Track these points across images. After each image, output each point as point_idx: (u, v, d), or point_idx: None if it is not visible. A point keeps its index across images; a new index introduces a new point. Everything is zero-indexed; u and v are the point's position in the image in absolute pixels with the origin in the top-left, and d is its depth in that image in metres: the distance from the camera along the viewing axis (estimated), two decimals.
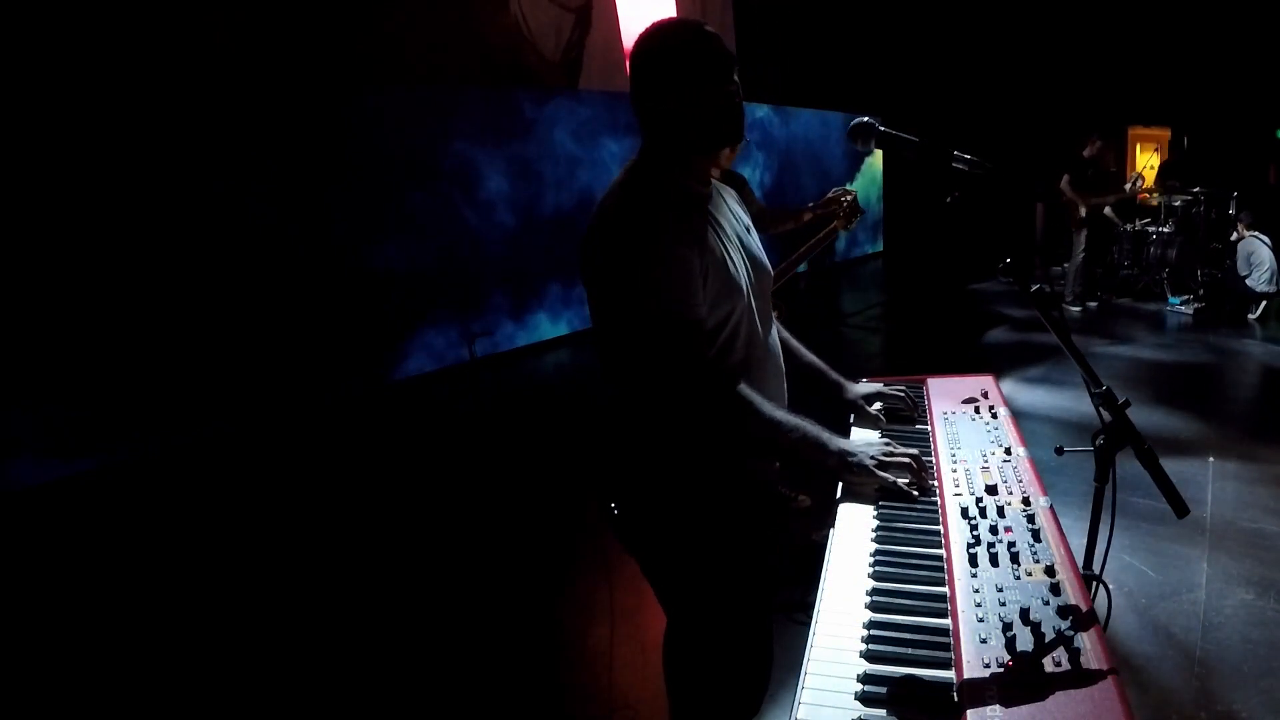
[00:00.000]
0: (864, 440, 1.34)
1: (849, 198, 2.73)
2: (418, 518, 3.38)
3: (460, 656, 2.40)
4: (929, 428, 1.52)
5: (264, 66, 4.46)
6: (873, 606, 1.02)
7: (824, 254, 2.74)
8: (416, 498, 3.58)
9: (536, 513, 3.37)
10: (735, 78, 1.27)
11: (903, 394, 1.64)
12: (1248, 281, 6.39)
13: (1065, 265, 7.31)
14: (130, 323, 3.95)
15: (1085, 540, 1.33)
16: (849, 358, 5.93)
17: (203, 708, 2.21)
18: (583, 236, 1.28)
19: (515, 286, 6.05)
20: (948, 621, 0.96)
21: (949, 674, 0.88)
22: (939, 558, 1.09)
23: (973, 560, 1.05)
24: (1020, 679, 0.83)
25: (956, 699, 0.83)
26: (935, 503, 1.24)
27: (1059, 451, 1.41)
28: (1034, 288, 1.21)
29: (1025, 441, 1.41)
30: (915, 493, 1.26)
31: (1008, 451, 1.37)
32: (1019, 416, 1.57)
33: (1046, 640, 0.88)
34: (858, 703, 0.86)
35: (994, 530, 1.12)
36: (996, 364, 5.20)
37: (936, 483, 1.29)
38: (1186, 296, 6.96)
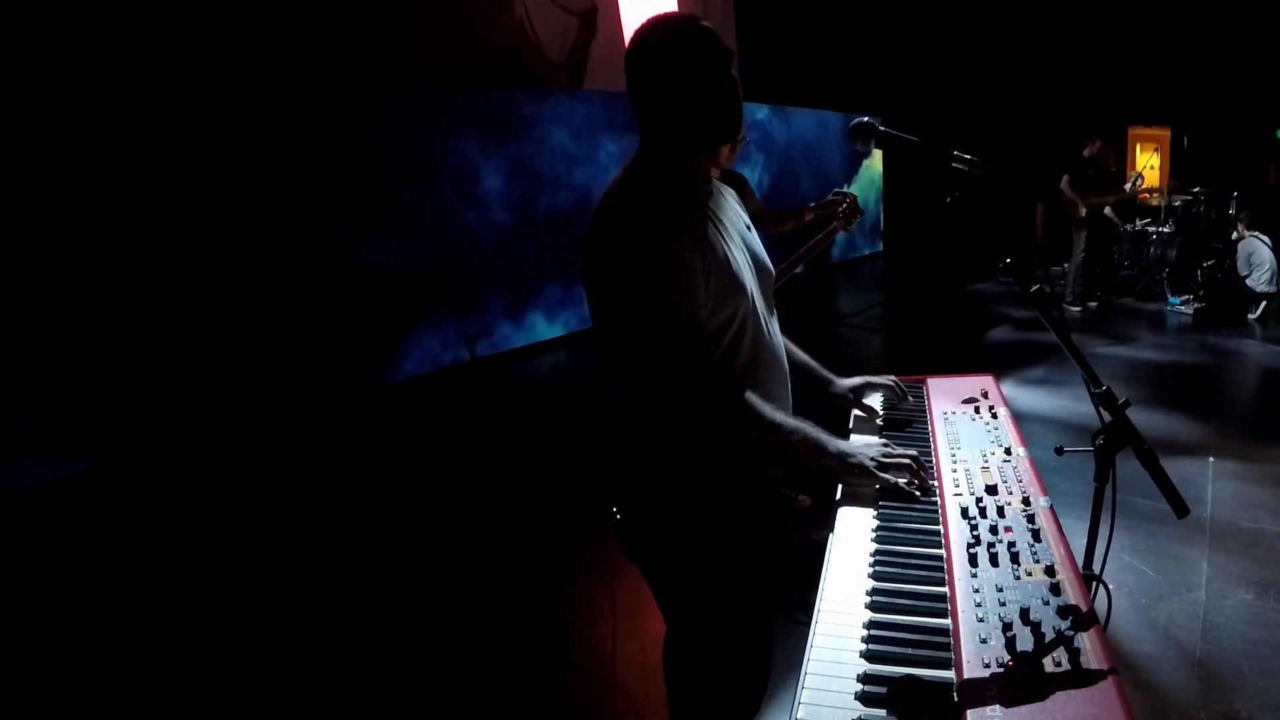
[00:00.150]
0: (863, 441, 1.34)
1: (849, 199, 2.74)
2: (418, 518, 3.38)
3: (461, 657, 2.40)
4: (929, 428, 1.52)
5: (264, 66, 4.46)
6: (873, 606, 1.02)
7: (821, 255, 2.74)
8: (417, 498, 3.58)
9: (537, 513, 3.37)
10: (733, 73, 1.26)
11: (891, 382, 1.64)
12: (1248, 281, 6.39)
13: (1065, 265, 7.31)
14: (130, 322, 3.95)
15: (1085, 540, 1.33)
16: (849, 358, 5.93)
17: (203, 708, 2.21)
18: (582, 237, 1.27)
19: (516, 287, 6.05)
20: (948, 621, 0.96)
21: (949, 674, 0.88)
22: (939, 558, 1.09)
23: (973, 560, 1.05)
24: (1020, 679, 0.83)
25: (956, 699, 0.83)
26: (935, 503, 1.24)
27: (1059, 451, 1.41)
28: (1034, 288, 1.21)
29: (1025, 441, 1.41)
30: (917, 493, 1.26)
31: (1008, 451, 1.37)
32: (1019, 417, 1.57)
33: (1046, 640, 0.88)
34: (858, 702, 0.86)
35: (994, 530, 1.12)
36: (996, 364, 5.20)
37: (936, 483, 1.29)
38: (1186, 296, 6.96)
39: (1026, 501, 1.19)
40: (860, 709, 0.85)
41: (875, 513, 1.23)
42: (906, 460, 1.29)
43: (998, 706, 0.80)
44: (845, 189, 2.78)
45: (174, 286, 4.11)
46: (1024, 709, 0.79)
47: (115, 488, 3.75)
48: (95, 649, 2.49)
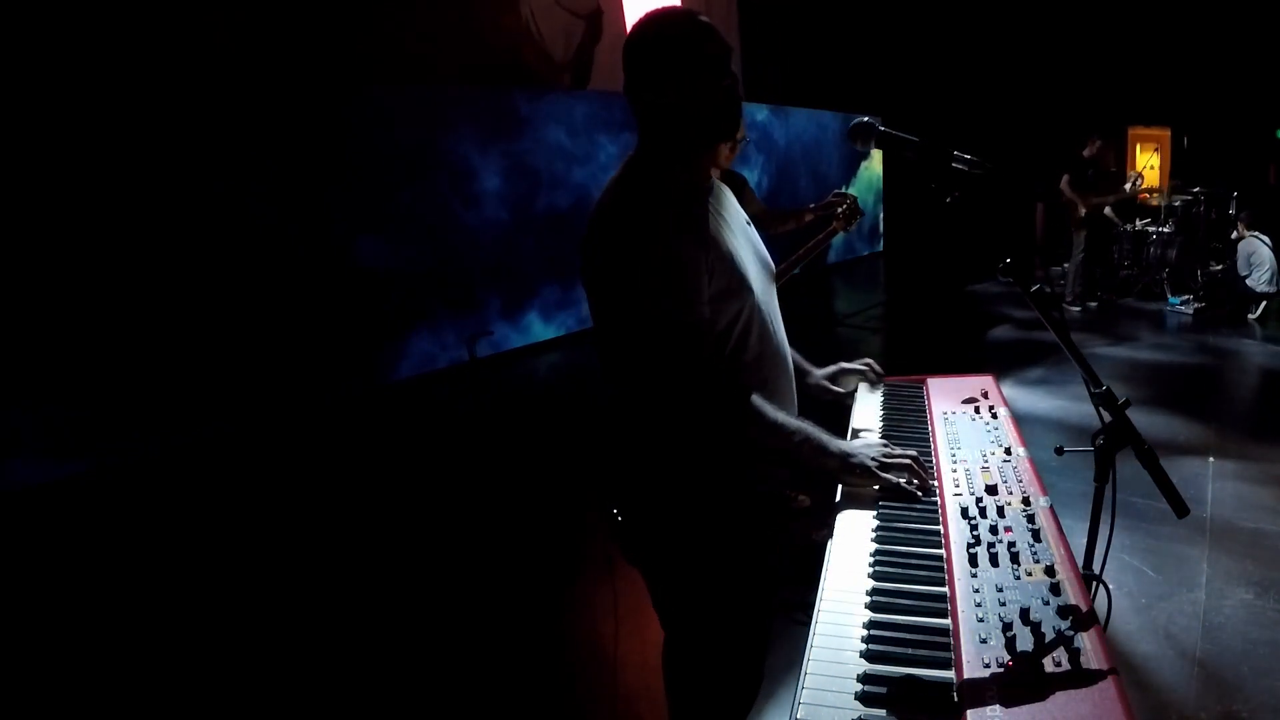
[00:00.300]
0: (863, 442, 1.34)
1: (849, 200, 2.74)
2: (418, 518, 3.38)
3: (462, 657, 2.40)
4: (929, 428, 1.52)
5: (264, 66, 4.46)
6: (873, 606, 1.02)
7: (817, 256, 2.74)
8: (417, 498, 3.58)
9: (537, 513, 3.37)
10: (733, 71, 1.25)
11: (864, 366, 1.67)
12: (1248, 281, 6.39)
13: (1065, 265, 7.32)
14: (130, 322, 3.95)
15: (1085, 540, 1.33)
16: (849, 358, 5.92)
17: (203, 709, 2.21)
18: (583, 236, 1.27)
19: (516, 287, 6.05)
20: (948, 621, 0.96)
21: (949, 674, 0.88)
22: (939, 558, 1.09)
23: (973, 560, 1.05)
24: (1020, 679, 0.83)
25: (956, 699, 0.83)
26: (935, 503, 1.24)
27: (1059, 451, 1.41)
28: (1034, 288, 1.21)
29: (1025, 441, 1.41)
30: (919, 493, 1.26)
31: (1008, 451, 1.37)
32: (1019, 417, 1.57)
33: (1046, 640, 0.88)
34: (858, 702, 0.86)
35: (994, 530, 1.12)
36: (996, 364, 5.20)
37: (936, 483, 1.29)
38: (1186, 296, 6.96)
39: (1026, 501, 1.19)
40: (860, 709, 0.85)
41: (875, 513, 1.23)
42: (907, 460, 1.29)
43: (998, 706, 0.80)
44: (845, 190, 2.79)
45: (174, 286, 4.11)
46: (1024, 709, 0.79)
47: (115, 488, 3.75)
48: (95, 649, 2.49)
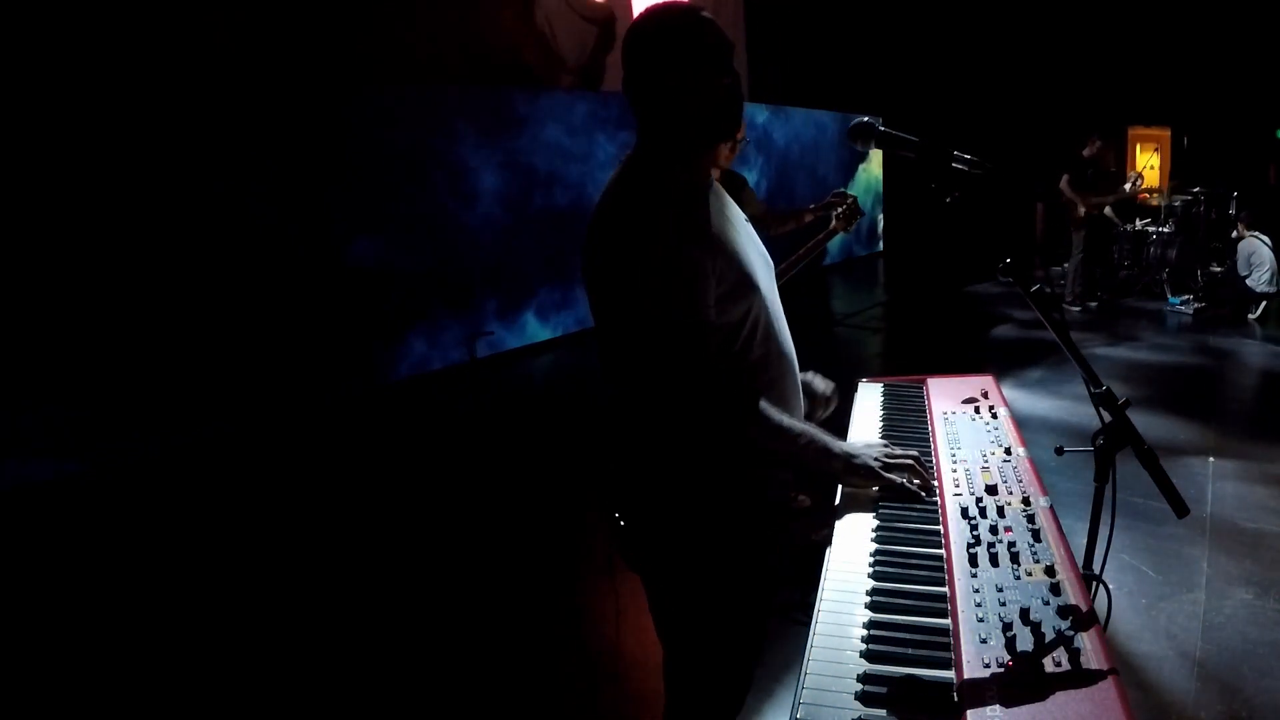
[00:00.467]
0: (864, 443, 1.34)
1: (849, 200, 2.74)
2: (418, 518, 3.38)
3: (462, 657, 2.40)
4: (929, 428, 1.52)
5: (264, 66, 4.46)
6: (873, 606, 1.02)
7: (816, 257, 2.74)
8: (417, 498, 3.58)
9: (538, 513, 3.37)
10: (734, 68, 1.23)
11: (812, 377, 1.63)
12: (1248, 281, 6.39)
13: (1065, 265, 7.32)
14: (130, 322, 3.95)
15: (1085, 540, 1.33)
16: (849, 358, 5.93)
17: (203, 709, 2.21)
18: (584, 238, 1.25)
19: (516, 287, 6.05)
20: (948, 621, 0.96)
21: (949, 674, 0.88)
22: (939, 558, 1.09)
23: (973, 560, 1.05)
24: (1020, 679, 0.83)
25: (956, 699, 0.83)
26: (935, 503, 1.24)
27: (1059, 451, 1.41)
28: (1034, 288, 1.21)
29: (1025, 441, 1.41)
30: (922, 493, 1.25)
31: (1008, 451, 1.37)
32: (1018, 418, 1.57)
33: (1046, 640, 0.88)
34: (858, 702, 0.86)
35: (994, 530, 1.12)
36: (996, 364, 5.20)
37: (936, 483, 1.29)
38: (1186, 296, 6.96)
39: (1026, 501, 1.19)
40: (860, 709, 0.85)
41: (875, 513, 1.23)
42: (909, 461, 1.29)
43: (998, 706, 0.80)
44: (844, 191, 2.79)
45: (174, 286, 4.11)
46: (1024, 709, 0.79)
47: (115, 488, 3.75)
48: (95, 649, 2.49)
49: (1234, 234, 6.77)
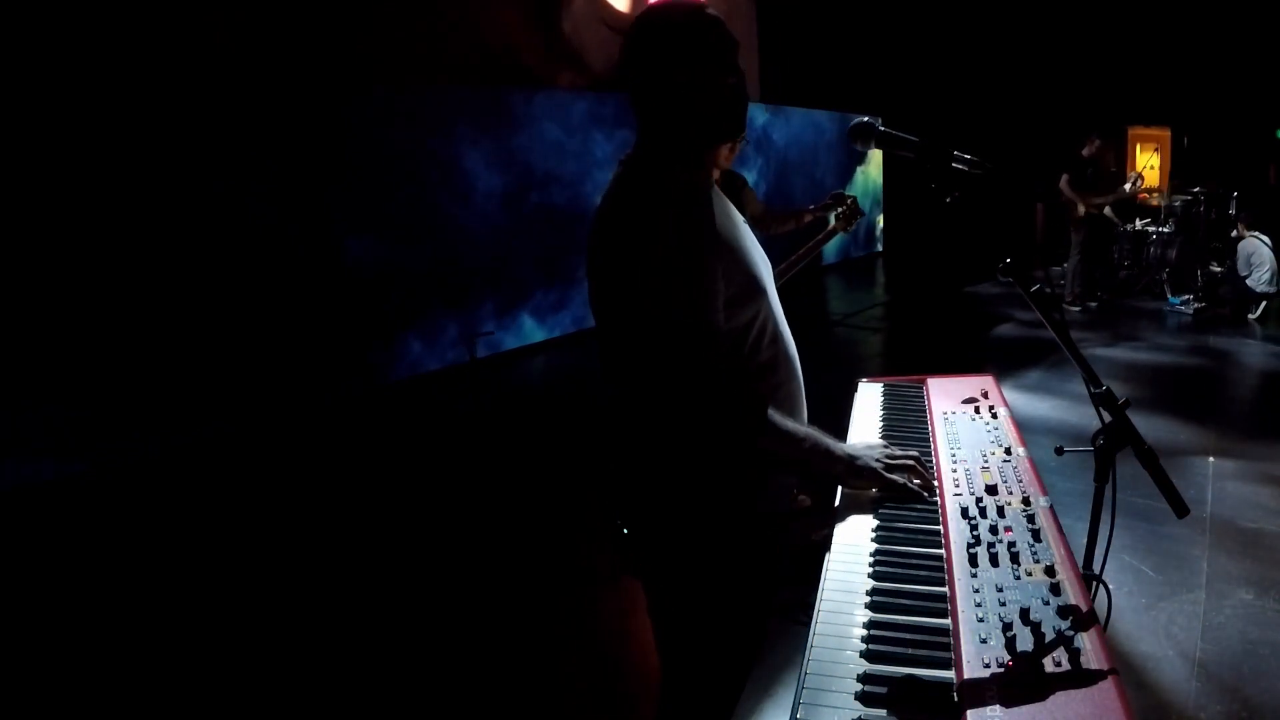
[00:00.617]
0: (864, 444, 1.33)
1: (849, 200, 2.74)
2: (418, 519, 3.38)
3: (461, 657, 2.40)
4: (929, 428, 1.52)
5: (264, 66, 4.46)
6: (873, 606, 1.01)
7: (813, 259, 2.74)
8: (417, 499, 3.58)
9: (538, 513, 3.37)
10: (740, 67, 1.20)
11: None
12: (1248, 281, 6.39)
13: (1065, 265, 7.33)
14: (130, 322, 3.95)
15: (1085, 540, 1.33)
16: (849, 358, 5.93)
17: (203, 709, 2.21)
18: (588, 239, 1.23)
19: (516, 287, 6.05)
20: (948, 621, 0.96)
21: (949, 674, 0.88)
22: (939, 558, 1.09)
23: (973, 560, 1.05)
24: (1020, 679, 0.83)
25: (956, 699, 0.83)
26: (935, 503, 1.24)
27: (1059, 451, 1.41)
28: (1034, 288, 1.21)
29: (1025, 441, 1.41)
30: (925, 494, 1.25)
31: (1008, 451, 1.37)
32: (1018, 419, 1.57)
33: (1046, 640, 0.88)
34: (858, 702, 0.86)
35: (994, 530, 1.12)
36: (996, 364, 5.20)
37: (937, 483, 1.29)
38: (1186, 296, 6.96)
39: (1026, 501, 1.19)
40: (860, 709, 0.85)
41: (875, 513, 1.23)
42: (909, 461, 1.28)
43: (998, 706, 0.80)
44: (844, 192, 2.79)
45: (174, 286, 4.11)
46: (1024, 709, 0.79)
47: (115, 488, 3.75)
48: (94, 649, 2.49)
49: (1234, 234, 6.77)
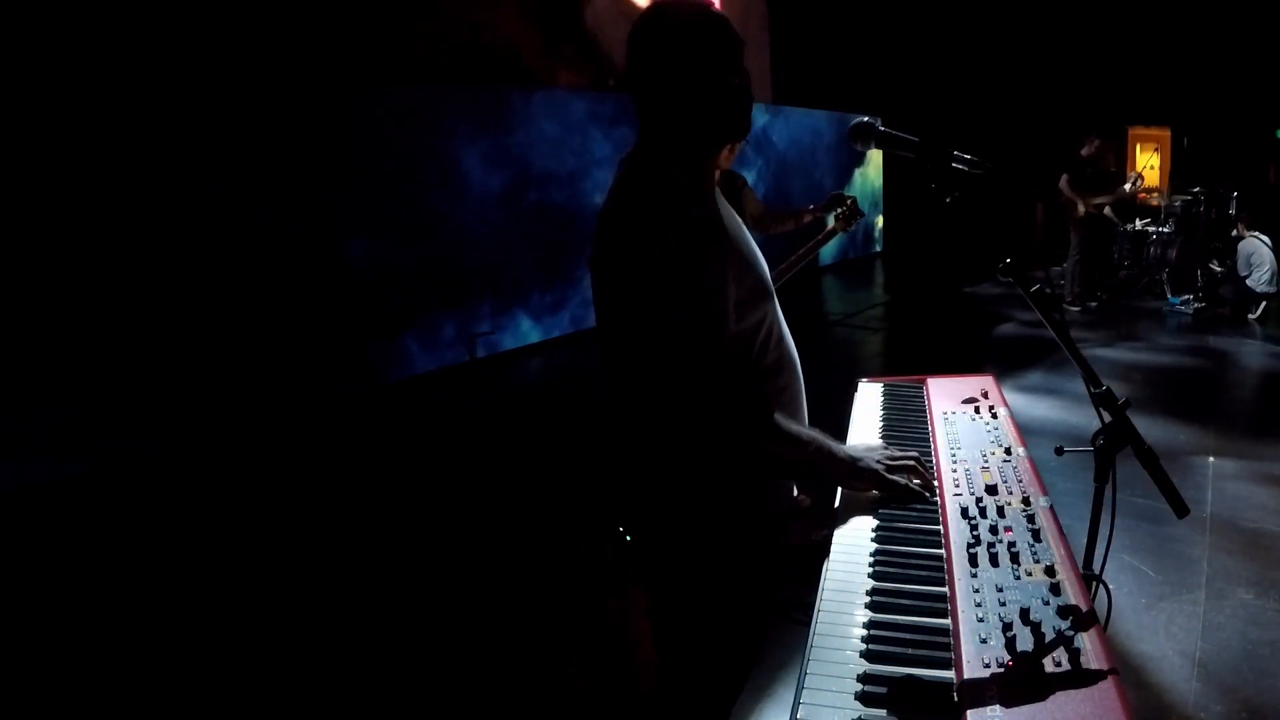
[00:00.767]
0: (865, 446, 1.33)
1: (849, 200, 2.74)
2: (418, 519, 3.38)
3: (460, 657, 2.40)
4: (929, 428, 1.52)
5: (264, 66, 4.46)
6: (873, 606, 1.02)
7: (810, 260, 2.74)
8: (417, 499, 3.58)
9: (538, 513, 3.37)
10: (745, 68, 1.19)
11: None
12: (1248, 282, 6.39)
13: (1065, 265, 7.33)
14: (130, 322, 3.95)
15: (1085, 540, 1.33)
16: (849, 358, 5.93)
17: (203, 709, 2.21)
18: (594, 241, 1.20)
19: (516, 288, 6.05)
20: (948, 621, 0.96)
21: (949, 674, 0.88)
22: (939, 558, 1.09)
23: (973, 560, 1.05)
24: (1020, 679, 0.83)
25: (956, 699, 0.83)
26: (935, 503, 1.24)
27: (1059, 451, 1.41)
28: (1034, 288, 1.21)
29: (1025, 441, 1.41)
30: (926, 494, 1.25)
31: (1008, 451, 1.37)
32: (1018, 420, 1.57)
33: (1046, 640, 0.88)
34: (858, 702, 0.86)
35: (994, 530, 1.12)
36: (996, 365, 5.20)
37: (937, 483, 1.29)
38: (1186, 296, 6.96)
39: (1026, 501, 1.19)
40: (860, 709, 0.85)
41: (875, 513, 1.23)
42: (910, 462, 1.28)
43: (998, 706, 0.80)
44: (843, 193, 2.79)
45: (174, 286, 4.11)
46: (1024, 709, 0.79)
47: (115, 488, 3.75)
48: (95, 648, 2.49)
49: (1234, 234, 6.77)
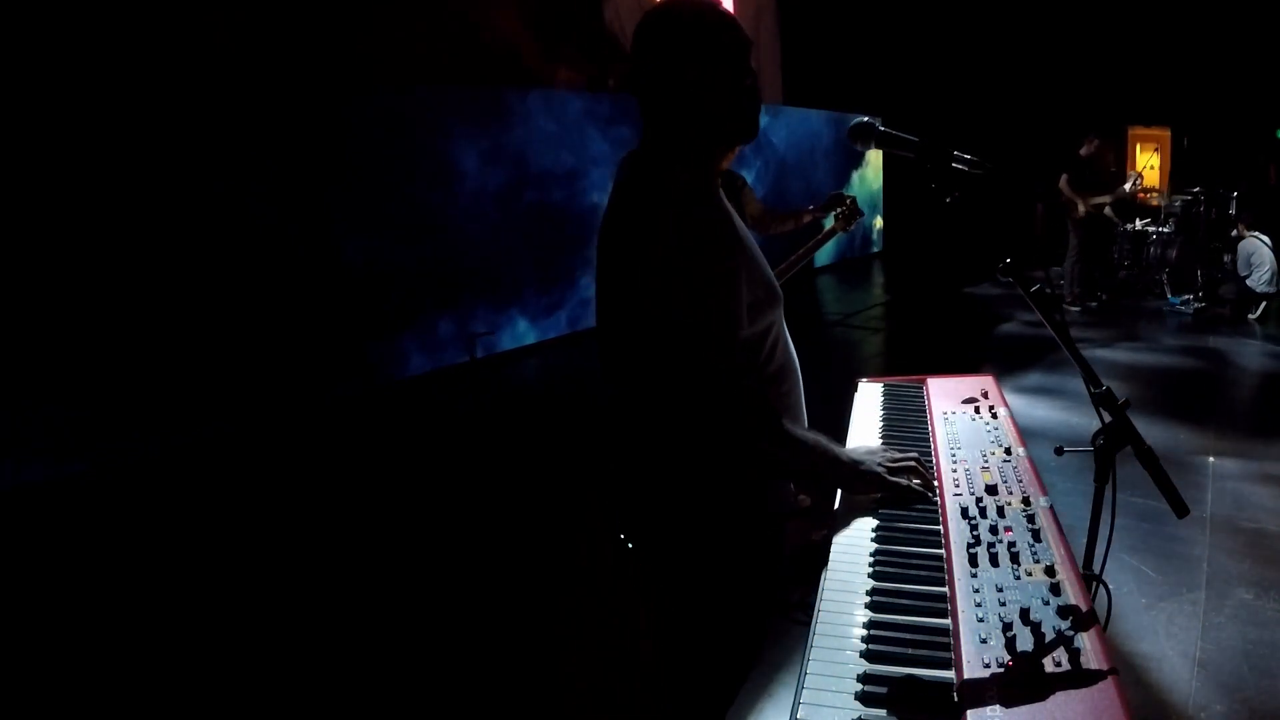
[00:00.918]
0: (865, 449, 1.33)
1: (848, 200, 2.74)
2: (418, 519, 3.38)
3: (460, 657, 2.40)
4: (929, 428, 1.52)
5: (264, 67, 4.46)
6: (873, 606, 1.02)
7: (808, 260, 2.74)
8: (417, 498, 3.58)
9: (538, 513, 3.37)
10: (751, 67, 1.17)
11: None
12: (1248, 282, 6.39)
13: (1065, 265, 7.33)
14: (130, 322, 3.95)
15: (1085, 540, 1.33)
16: (849, 358, 5.93)
17: (203, 709, 2.21)
18: (601, 238, 1.19)
19: (516, 288, 6.05)
20: (948, 621, 0.96)
21: (949, 674, 0.88)
22: (939, 558, 1.09)
23: (973, 560, 1.05)
24: (1020, 679, 0.83)
25: (956, 699, 0.83)
26: (935, 503, 1.24)
27: (1059, 451, 1.41)
28: (1034, 288, 1.21)
29: (1025, 441, 1.41)
30: (928, 494, 1.25)
31: (1008, 451, 1.37)
32: (1017, 420, 1.57)
33: (1046, 640, 0.88)
34: (858, 702, 0.86)
35: (994, 530, 1.12)
36: (996, 365, 5.20)
37: (937, 483, 1.29)
38: (1186, 296, 6.96)
39: (1026, 501, 1.19)
40: (860, 709, 0.85)
41: (875, 513, 1.23)
42: (910, 463, 1.28)
43: (998, 706, 0.80)
44: (843, 193, 2.79)
45: (174, 286, 4.11)
46: (1024, 709, 0.79)
47: (115, 488, 3.75)
48: (95, 649, 2.49)
49: (1234, 234, 6.77)
